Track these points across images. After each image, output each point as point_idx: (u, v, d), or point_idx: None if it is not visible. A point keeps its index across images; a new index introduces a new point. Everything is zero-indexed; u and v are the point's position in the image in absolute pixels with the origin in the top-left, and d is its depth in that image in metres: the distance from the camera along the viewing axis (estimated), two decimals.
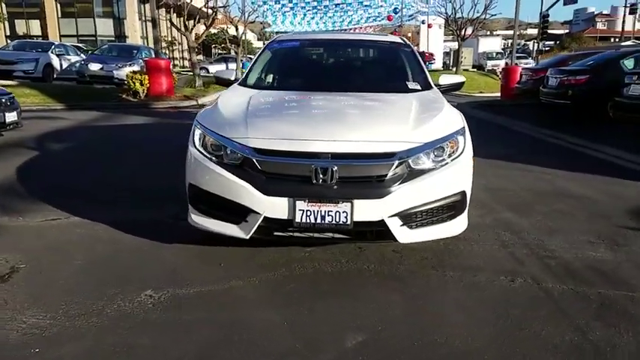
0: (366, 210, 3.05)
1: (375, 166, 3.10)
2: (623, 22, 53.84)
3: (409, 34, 54.99)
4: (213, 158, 3.27)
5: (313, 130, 3.27)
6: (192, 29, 20.76)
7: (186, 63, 48.71)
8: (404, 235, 3.16)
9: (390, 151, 3.12)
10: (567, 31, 78.09)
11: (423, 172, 3.16)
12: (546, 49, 47.60)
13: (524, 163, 6.72)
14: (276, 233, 3.20)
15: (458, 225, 3.40)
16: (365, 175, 3.10)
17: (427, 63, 29.82)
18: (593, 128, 10.22)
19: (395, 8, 40.51)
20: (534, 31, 61.03)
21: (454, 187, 3.28)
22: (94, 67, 18.38)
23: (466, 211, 3.44)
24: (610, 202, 5.02)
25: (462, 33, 30.96)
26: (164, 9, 17.08)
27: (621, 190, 5.44)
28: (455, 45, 39.04)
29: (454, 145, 3.36)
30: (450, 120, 3.58)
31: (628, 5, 45.70)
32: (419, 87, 4.43)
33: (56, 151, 7.52)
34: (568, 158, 7.37)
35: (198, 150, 3.38)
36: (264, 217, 3.10)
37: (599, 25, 76.46)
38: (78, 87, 17.19)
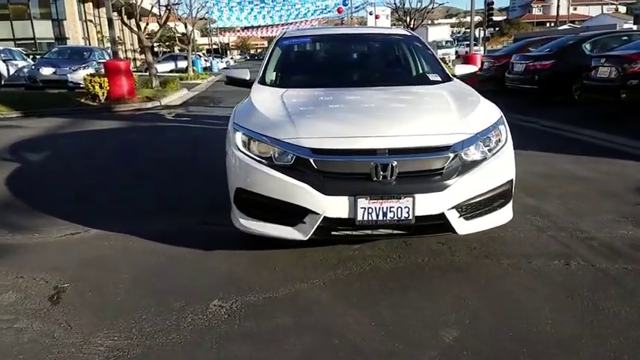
0: (427, 204, 3.04)
1: (432, 160, 3.10)
2: (558, 7, 56.13)
3: (355, 26, 55.27)
4: (263, 161, 3.19)
5: (366, 127, 3.24)
6: (145, 28, 20.20)
7: (132, 63, 47.36)
8: (462, 226, 3.18)
9: (445, 143, 3.13)
10: (505, 17, 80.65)
11: (475, 163, 3.18)
12: (488, 35, 48.92)
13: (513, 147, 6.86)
14: (333, 233, 3.16)
15: (507, 213, 3.45)
16: (422, 169, 3.09)
17: None
18: (561, 111, 10.58)
19: (344, 0, 40.57)
20: (475, 19, 62.63)
21: (504, 177, 3.33)
22: (47, 71, 17.56)
23: (512, 199, 3.49)
24: (613, 181, 5.21)
25: (411, 22, 31.28)
26: (102, 8, 16.46)
27: (618, 170, 5.66)
28: None
29: (498, 135, 3.40)
30: (490, 110, 3.64)
31: None
32: (439, 78, 4.47)
33: (37, 162, 7.16)
34: (552, 141, 7.56)
35: (244, 153, 3.28)
36: (324, 217, 3.05)
37: (535, 11, 79.26)
38: (31, 93, 16.35)
